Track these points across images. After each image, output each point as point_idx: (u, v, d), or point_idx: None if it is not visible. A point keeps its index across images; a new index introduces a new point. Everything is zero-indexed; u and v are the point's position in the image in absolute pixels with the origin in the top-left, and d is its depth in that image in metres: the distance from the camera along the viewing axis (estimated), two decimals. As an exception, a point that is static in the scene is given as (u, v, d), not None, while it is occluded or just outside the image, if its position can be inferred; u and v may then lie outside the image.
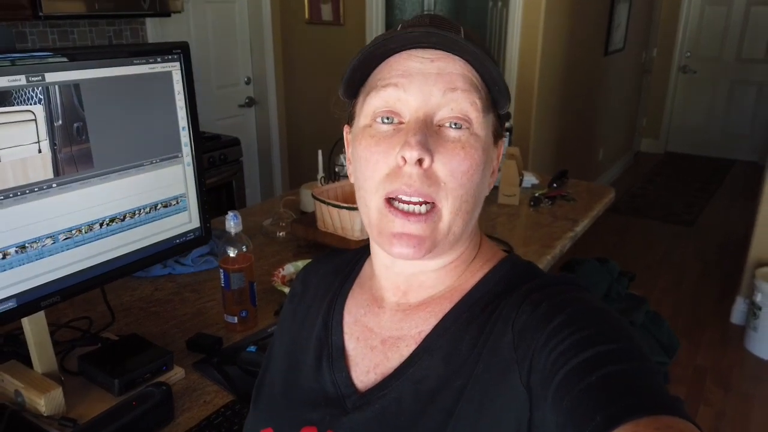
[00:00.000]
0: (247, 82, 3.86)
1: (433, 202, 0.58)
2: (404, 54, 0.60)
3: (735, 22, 5.87)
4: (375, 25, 3.58)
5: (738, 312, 3.13)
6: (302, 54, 3.87)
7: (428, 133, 0.57)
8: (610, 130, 5.19)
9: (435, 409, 0.60)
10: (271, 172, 4.11)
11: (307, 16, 3.77)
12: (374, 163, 0.59)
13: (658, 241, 4.26)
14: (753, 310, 2.85)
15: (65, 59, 0.91)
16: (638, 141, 6.47)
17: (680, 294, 3.49)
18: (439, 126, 0.59)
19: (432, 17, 0.62)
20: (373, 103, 0.60)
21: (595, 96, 4.55)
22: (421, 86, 0.58)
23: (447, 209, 0.59)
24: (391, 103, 0.59)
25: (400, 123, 0.60)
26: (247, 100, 3.86)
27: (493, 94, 0.62)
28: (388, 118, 0.60)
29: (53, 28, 2.73)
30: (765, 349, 2.84)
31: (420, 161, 0.56)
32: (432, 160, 0.57)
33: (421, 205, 0.58)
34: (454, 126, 0.59)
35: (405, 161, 0.57)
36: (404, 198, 0.58)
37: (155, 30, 3.14)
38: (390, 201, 0.59)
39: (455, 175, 0.58)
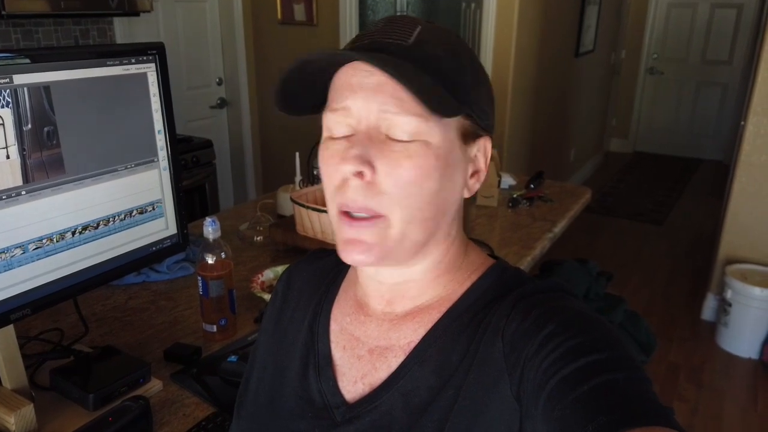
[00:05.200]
0: (219, 83, 3.79)
1: (378, 215, 0.58)
2: (350, 68, 0.58)
3: (700, 24, 6.01)
4: (348, 25, 3.56)
5: (708, 309, 3.20)
6: (275, 55, 3.82)
7: (371, 145, 0.57)
8: (582, 131, 5.26)
9: (426, 421, 0.59)
10: (244, 175, 4.06)
11: (279, 16, 3.72)
12: (328, 176, 0.60)
13: (629, 240, 4.32)
14: (723, 306, 2.91)
15: (35, 60, 0.86)
16: (608, 141, 6.58)
17: (651, 292, 3.54)
18: (387, 136, 0.57)
19: (389, 20, 0.61)
20: (328, 123, 0.61)
21: (567, 97, 4.61)
22: (363, 102, 0.57)
23: (396, 218, 0.58)
24: (341, 120, 0.59)
25: (352, 134, 0.59)
26: (218, 102, 3.80)
27: (452, 95, 0.58)
28: (343, 130, 0.59)
29: (17, 27, 2.64)
30: (735, 344, 2.90)
31: (361, 174, 0.56)
32: (374, 172, 0.56)
33: (366, 219, 0.59)
34: (400, 134, 0.57)
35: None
36: (351, 212, 0.59)
37: (123, 30, 3.07)
38: (341, 212, 0.60)
39: (399, 185, 0.57)
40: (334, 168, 0.58)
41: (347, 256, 0.60)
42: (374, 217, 0.58)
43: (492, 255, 0.71)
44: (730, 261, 3.02)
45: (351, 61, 0.58)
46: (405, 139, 0.57)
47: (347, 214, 0.59)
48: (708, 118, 6.24)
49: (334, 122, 0.60)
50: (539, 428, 0.51)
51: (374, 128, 0.57)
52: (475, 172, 0.64)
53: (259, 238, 1.73)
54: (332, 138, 0.60)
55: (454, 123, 0.60)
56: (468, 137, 0.62)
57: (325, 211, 1.49)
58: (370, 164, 0.56)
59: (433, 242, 0.63)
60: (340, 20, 3.57)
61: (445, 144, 0.59)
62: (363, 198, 0.57)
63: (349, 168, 0.56)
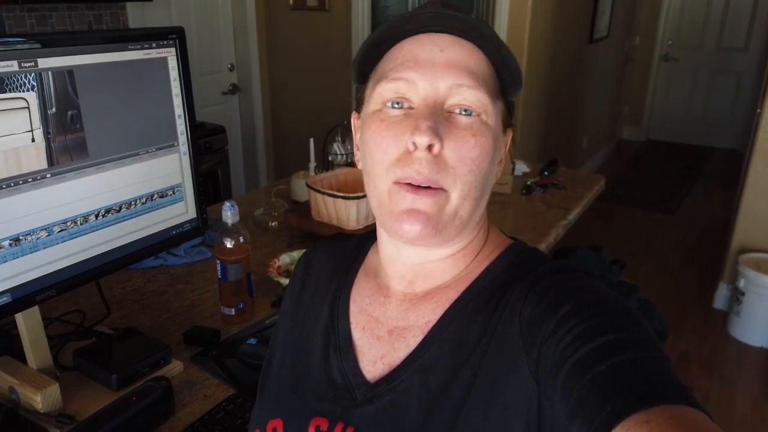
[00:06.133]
0: (231, 69, 3.79)
1: (441, 188, 0.58)
2: (414, 40, 0.60)
3: (716, 11, 5.92)
4: (361, 11, 3.54)
5: (721, 297, 3.19)
6: (287, 40, 3.81)
7: (438, 120, 0.57)
8: (594, 118, 5.22)
9: (445, 400, 0.60)
10: (256, 161, 4.06)
11: (291, 1, 3.71)
12: (384, 147, 0.59)
13: (641, 229, 4.30)
14: (736, 295, 2.90)
15: (49, 45, 0.86)
16: (621, 128, 6.52)
17: (663, 280, 3.53)
18: (450, 112, 0.59)
19: (443, 3, 0.61)
20: (383, 93, 0.60)
21: (580, 83, 4.56)
22: (431, 78, 0.58)
23: (455, 194, 0.59)
24: (402, 92, 0.59)
25: (410, 108, 0.59)
26: (230, 87, 3.80)
27: (504, 81, 0.62)
28: (398, 103, 0.60)
29: (31, 12, 2.65)
30: (748, 334, 2.90)
31: (430, 147, 0.56)
32: (442, 146, 0.57)
33: (428, 189, 0.59)
34: (464, 113, 0.59)
35: (416, 146, 0.57)
36: (414, 184, 0.58)
37: (136, 15, 3.07)
38: (399, 183, 0.59)
39: (465, 161, 0.58)
40: (393, 139, 0.58)
41: (404, 226, 0.58)
42: (436, 190, 0.58)
43: (511, 237, 0.72)
44: (744, 250, 3.00)
45: (418, 34, 0.60)
46: (470, 116, 0.58)
47: (405, 185, 0.58)
48: (722, 105, 6.16)
49: (391, 92, 0.59)
50: (557, 407, 0.51)
51: (440, 104, 0.58)
52: (500, 161, 0.66)
53: (274, 224, 1.74)
54: (385, 109, 0.60)
55: (501, 109, 0.62)
56: (504, 125, 0.64)
57: (341, 197, 1.50)
58: (440, 137, 0.57)
59: (470, 222, 0.64)
60: (352, 5, 3.55)
61: (496, 127, 0.61)
62: (428, 171, 0.57)
63: (424, 140, 0.55)
